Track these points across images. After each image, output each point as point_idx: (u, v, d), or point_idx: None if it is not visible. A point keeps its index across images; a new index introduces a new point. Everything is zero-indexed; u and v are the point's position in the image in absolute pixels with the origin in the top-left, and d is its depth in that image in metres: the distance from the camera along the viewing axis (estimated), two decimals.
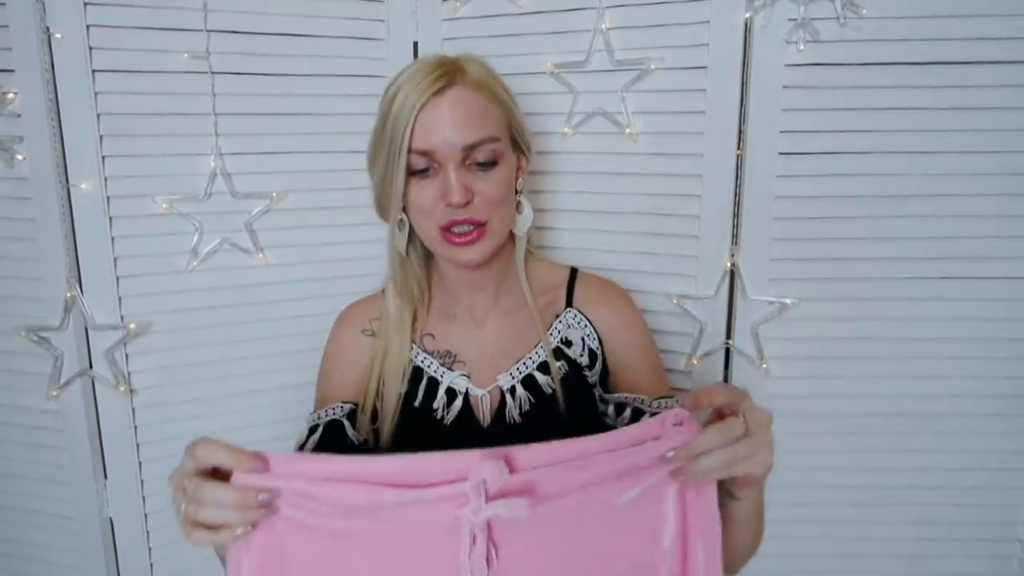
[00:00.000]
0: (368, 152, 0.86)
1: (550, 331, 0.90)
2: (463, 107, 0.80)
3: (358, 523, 0.63)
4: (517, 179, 0.88)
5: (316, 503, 0.62)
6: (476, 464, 0.59)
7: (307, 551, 0.65)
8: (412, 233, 0.89)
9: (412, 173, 0.81)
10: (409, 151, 0.79)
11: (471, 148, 0.80)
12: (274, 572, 0.64)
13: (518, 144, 0.88)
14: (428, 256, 0.94)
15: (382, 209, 0.88)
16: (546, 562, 0.66)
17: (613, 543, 0.67)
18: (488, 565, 0.62)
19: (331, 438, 0.86)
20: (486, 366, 0.90)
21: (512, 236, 0.91)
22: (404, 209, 0.84)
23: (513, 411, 0.87)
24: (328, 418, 0.89)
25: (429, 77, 0.79)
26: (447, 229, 0.82)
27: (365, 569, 0.65)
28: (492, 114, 0.82)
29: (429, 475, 0.61)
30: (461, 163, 0.80)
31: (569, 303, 0.92)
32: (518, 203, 0.89)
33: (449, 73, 0.80)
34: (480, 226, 0.82)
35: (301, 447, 0.85)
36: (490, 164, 0.81)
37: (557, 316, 0.91)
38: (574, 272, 0.95)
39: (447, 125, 0.78)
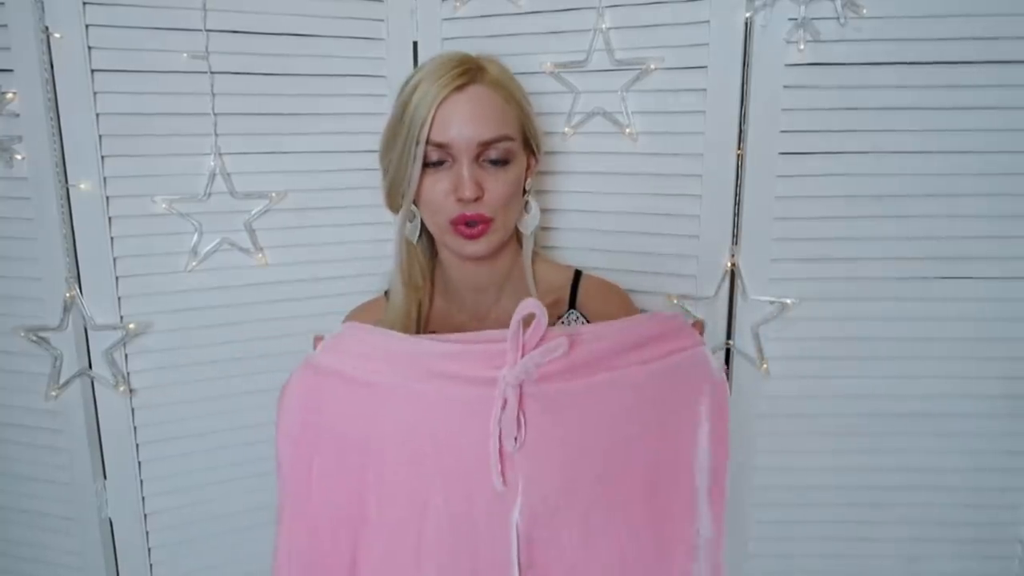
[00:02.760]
0: (383, 141, 0.88)
1: None
2: (482, 104, 0.82)
3: (395, 375, 0.68)
4: (526, 179, 0.90)
5: (361, 350, 0.69)
6: (521, 306, 0.62)
7: (343, 398, 0.70)
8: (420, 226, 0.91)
9: (425, 164, 0.83)
10: (427, 142, 0.81)
11: (486, 145, 0.82)
12: (312, 409, 0.71)
13: (529, 145, 0.89)
14: (433, 254, 0.94)
15: (392, 199, 0.88)
16: (576, 442, 0.68)
17: (645, 432, 0.70)
18: (517, 428, 0.65)
19: None
20: None
21: (518, 236, 0.92)
22: (414, 201, 0.86)
23: None
24: None
25: (451, 72, 0.81)
26: (456, 223, 0.83)
27: (395, 418, 0.68)
28: (508, 114, 0.84)
29: (473, 338, 0.67)
30: (475, 159, 0.82)
31: (572, 304, 0.92)
32: (526, 203, 0.90)
33: (471, 71, 0.82)
34: (487, 221, 0.83)
35: None
36: (502, 162, 0.83)
37: (560, 317, 0.92)
38: (578, 274, 0.96)
39: (465, 120, 0.80)
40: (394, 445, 0.69)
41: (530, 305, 0.62)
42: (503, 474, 0.65)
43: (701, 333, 0.74)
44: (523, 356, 0.64)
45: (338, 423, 0.70)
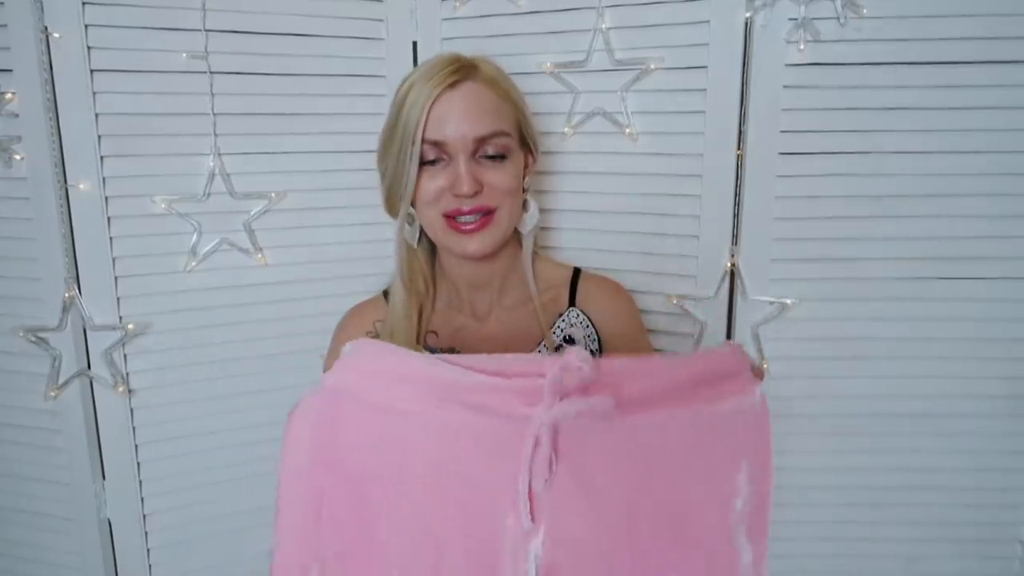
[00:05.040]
0: (379, 145, 0.88)
1: (553, 329, 0.91)
2: (476, 101, 0.82)
3: (418, 401, 0.62)
4: (524, 177, 0.90)
5: (378, 369, 0.64)
6: (564, 354, 0.58)
7: (361, 426, 0.64)
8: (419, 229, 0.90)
9: (422, 163, 0.82)
10: (422, 141, 0.81)
11: (482, 140, 0.82)
12: (325, 442, 0.64)
13: (526, 143, 0.89)
14: (433, 253, 0.94)
15: (391, 202, 0.88)
16: (606, 482, 0.62)
17: (680, 475, 0.65)
18: (549, 470, 0.60)
19: None
20: None
21: (517, 235, 0.92)
22: (412, 202, 0.85)
23: None
24: None
25: (444, 71, 0.81)
26: (452, 217, 0.83)
27: (416, 449, 0.63)
28: (503, 110, 0.84)
29: (509, 368, 0.61)
30: (472, 155, 0.82)
31: (572, 302, 0.92)
32: (525, 202, 0.90)
33: (463, 69, 0.82)
34: (488, 213, 0.83)
35: None
36: (499, 157, 0.83)
37: (560, 315, 0.92)
38: (577, 271, 0.96)
39: (460, 117, 0.80)
40: (413, 477, 0.63)
41: (574, 359, 0.57)
42: (532, 513, 0.60)
43: (760, 379, 0.68)
44: (562, 399, 0.59)
45: (353, 454, 0.64)
